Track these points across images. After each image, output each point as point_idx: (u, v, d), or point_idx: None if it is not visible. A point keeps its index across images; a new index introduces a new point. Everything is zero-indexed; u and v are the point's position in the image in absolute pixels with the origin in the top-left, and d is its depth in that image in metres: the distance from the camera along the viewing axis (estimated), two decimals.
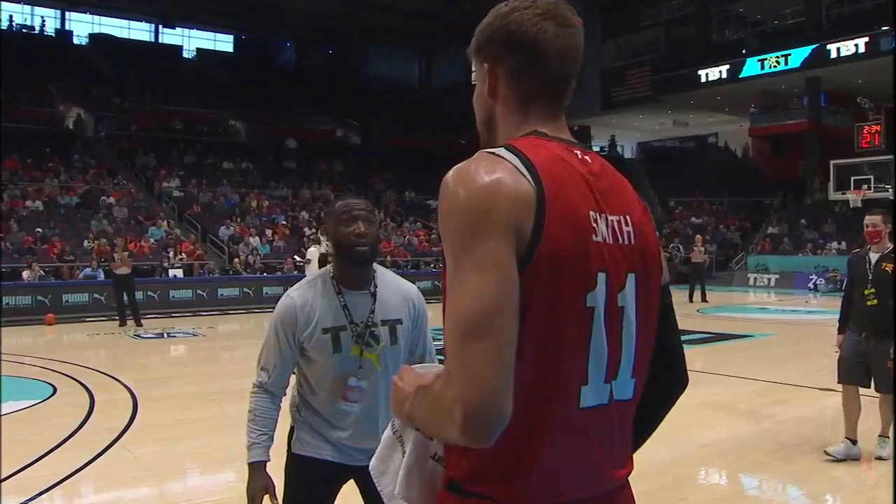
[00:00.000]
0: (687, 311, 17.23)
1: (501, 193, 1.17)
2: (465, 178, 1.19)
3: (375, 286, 2.53)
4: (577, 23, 1.34)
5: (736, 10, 33.30)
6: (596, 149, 39.55)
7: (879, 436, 5.37)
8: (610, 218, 1.28)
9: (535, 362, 1.19)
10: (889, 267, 5.20)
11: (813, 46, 28.55)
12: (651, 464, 5.20)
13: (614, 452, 1.33)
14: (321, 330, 2.45)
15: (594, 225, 1.25)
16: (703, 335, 12.83)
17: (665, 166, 36.62)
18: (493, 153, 1.24)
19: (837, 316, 5.63)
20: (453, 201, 1.18)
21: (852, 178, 26.13)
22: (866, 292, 5.28)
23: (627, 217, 1.32)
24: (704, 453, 5.71)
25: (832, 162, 26.69)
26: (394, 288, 2.58)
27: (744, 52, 31.46)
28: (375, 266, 2.57)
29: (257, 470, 2.51)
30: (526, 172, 1.20)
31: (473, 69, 1.41)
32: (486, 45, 1.35)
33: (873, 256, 5.33)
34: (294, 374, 2.63)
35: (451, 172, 1.22)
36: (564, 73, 1.34)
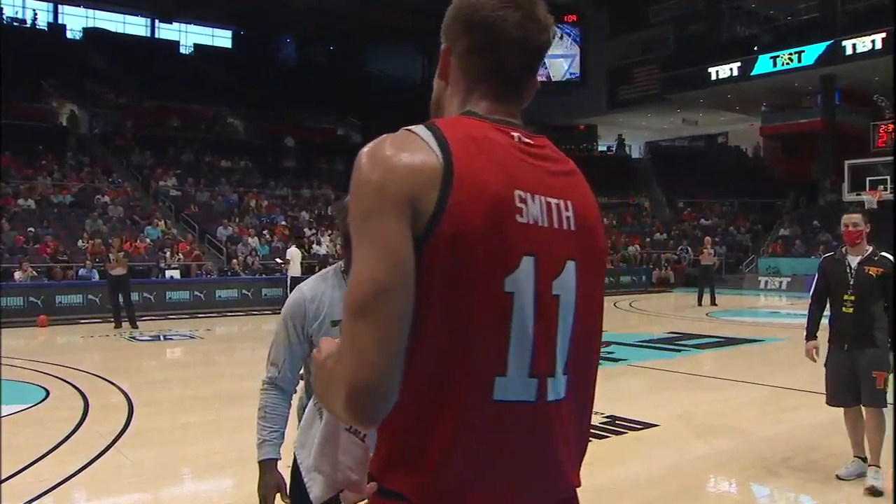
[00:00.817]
0: (696, 315, 17.16)
1: (401, 167, 1.15)
2: (370, 153, 1.18)
3: None
4: (543, 20, 1.31)
5: (747, 5, 32.95)
6: (602, 148, 39.33)
7: (870, 465, 4.86)
8: (546, 199, 1.24)
9: (439, 344, 1.15)
10: (874, 271, 4.90)
11: (827, 43, 28.13)
12: (658, 471, 5.28)
13: (555, 459, 1.25)
14: (330, 322, 2.41)
15: (520, 205, 1.20)
16: (713, 339, 12.71)
17: (673, 166, 36.28)
18: (409, 129, 1.21)
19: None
20: (356, 176, 1.17)
21: (867, 179, 25.56)
22: (845, 298, 4.97)
23: (568, 202, 1.28)
24: (713, 461, 5.60)
25: (847, 162, 26.19)
26: None
27: (755, 48, 31.09)
28: None
29: (268, 468, 2.43)
30: (436, 147, 1.17)
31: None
32: (448, 26, 1.33)
33: (852, 260, 4.99)
34: (301, 374, 2.58)
35: (364, 148, 1.20)
36: (517, 64, 1.31)
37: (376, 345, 1.10)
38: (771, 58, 29.76)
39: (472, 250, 1.14)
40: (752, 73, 30.39)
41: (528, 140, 1.28)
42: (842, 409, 5.04)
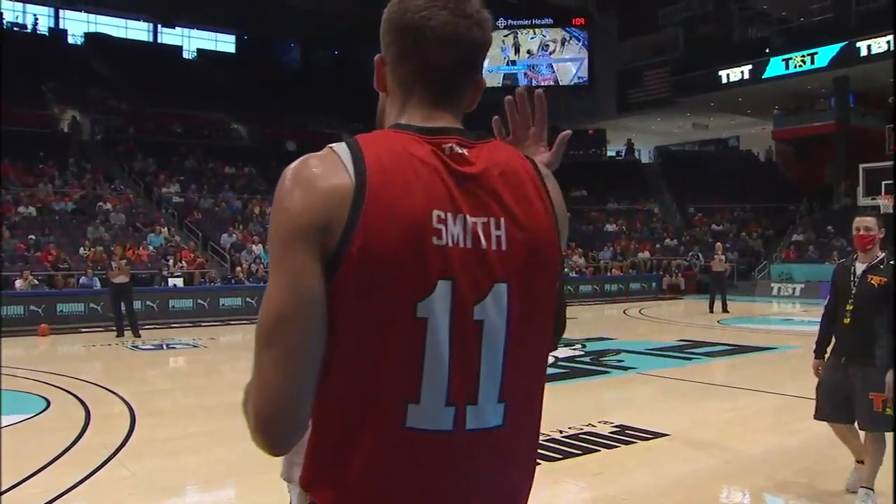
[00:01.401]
0: (707, 322, 17.10)
1: (311, 192, 1.14)
2: (287, 175, 1.18)
3: None
4: (474, 15, 1.25)
5: (759, 6, 32.72)
6: (612, 153, 38.93)
7: (862, 487, 4.58)
8: (472, 219, 1.18)
9: (351, 369, 1.16)
10: (877, 280, 4.56)
11: (841, 44, 27.83)
12: (668, 482, 5.24)
13: (480, 491, 1.21)
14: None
15: (438, 226, 1.16)
16: (725, 347, 12.64)
17: (684, 171, 35.85)
18: (331, 147, 1.21)
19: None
20: (276, 197, 1.17)
21: (883, 183, 25.22)
22: (847, 308, 4.64)
23: (500, 220, 1.20)
24: (725, 471, 5.53)
25: (861, 166, 25.84)
26: None
27: (767, 51, 30.86)
28: None
29: None
30: (350, 166, 1.16)
31: None
32: (381, 36, 1.30)
33: (859, 267, 4.66)
34: None
35: (291, 164, 1.20)
36: (448, 64, 1.26)
37: (278, 376, 1.12)
38: (783, 60, 29.48)
39: (382, 274, 1.13)
40: (763, 76, 30.12)
41: (461, 151, 1.22)
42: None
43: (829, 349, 4.81)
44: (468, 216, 1.18)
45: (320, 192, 1.13)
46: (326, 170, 1.15)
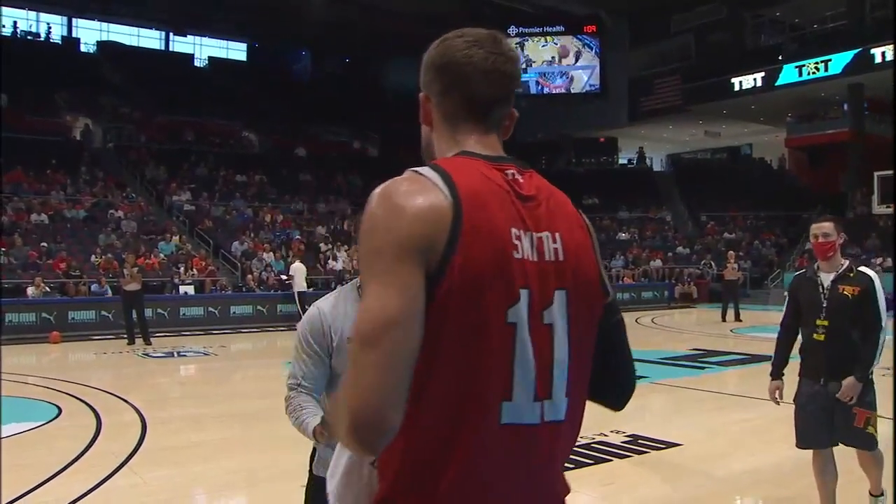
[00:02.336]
0: (720, 331, 17.02)
1: (414, 211, 1.24)
2: (383, 196, 1.27)
3: None
4: (507, 52, 1.42)
5: (772, 13, 32.41)
6: (623, 161, 38.83)
7: (872, 495, 4.43)
8: (536, 235, 1.33)
9: (452, 378, 1.25)
10: (850, 291, 4.15)
11: (855, 51, 27.59)
12: (681, 492, 5.23)
13: (546, 476, 1.36)
14: (348, 340, 2.36)
15: (516, 242, 1.30)
16: (738, 356, 12.54)
17: (696, 179, 35.73)
18: (417, 171, 1.31)
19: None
20: (369, 218, 1.26)
21: None
22: (818, 323, 4.22)
23: (556, 234, 1.36)
24: (743, 482, 5.49)
25: (876, 173, 25.58)
26: None
27: (780, 58, 30.56)
28: None
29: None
30: (445, 189, 1.27)
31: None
32: (423, 75, 1.46)
33: (825, 277, 4.22)
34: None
35: (376, 189, 1.29)
36: (490, 96, 1.42)
37: (381, 376, 1.17)
38: (796, 67, 29.24)
39: (481, 286, 1.25)
40: (776, 84, 29.85)
41: (518, 177, 1.37)
42: (879, 429, 4.35)
43: (799, 371, 4.41)
44: (533, 232, 1.34)
45: (423, 211, 1.24)
46: (425, 191, 1.27)
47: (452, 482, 1.26)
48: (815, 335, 4.21)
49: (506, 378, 1.28)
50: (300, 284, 18.38)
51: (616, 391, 1.54)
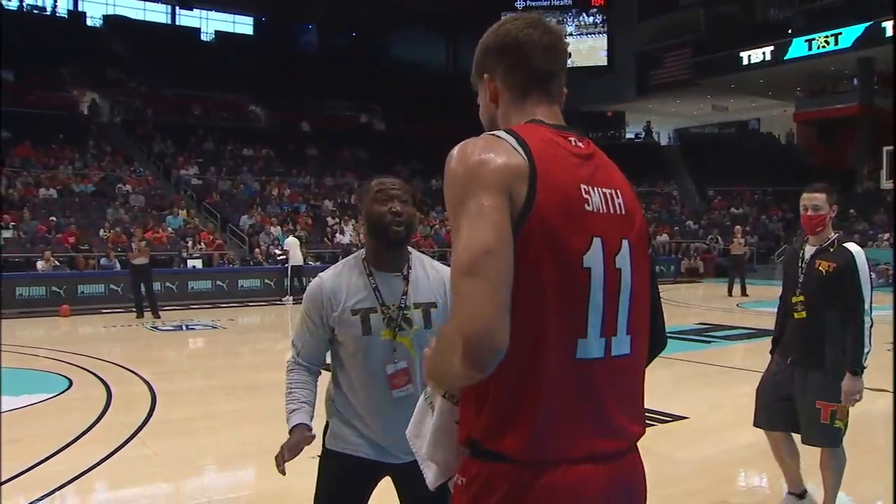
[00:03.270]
0: (726, 306, 17.00)
1: (495, 161, 1.37)
2: (464, 151, 1.41)
3: (409, 269, 2.54)
4: (557, 31, 1.59)
5: None
6: (630, 135, 38.65)
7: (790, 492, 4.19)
8: (602, 190, 1.49)
9: (532, 315, 1.35)
10: (825, 266, 3.82)
11: (866, 24, 27.26)
12: (693, 464, 5.30)
13: (622, 407, 1.48)
14: (350, 311, 2.45)
15: (586, 196, 1.45)
16: (744, 331, 12.59)
17: (703, 154, 35.52)
18: (493, 134, 1.46)
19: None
20: (453, 170, 1.39)
21: None
22: (794, 300, 3.95)
23: (617, 191, 1.52)
24: (747, 454, 5.43)
25: (885, 148, 25.49)
26: (429, 270, 2.60)
27: (790, 31, 30.27)
28: (410, 249, 2.60)
29: (296, 430, 2.46)
30: (520, 149, 1.40)
31: (478, 90, 1.64)
32: (483, 59, 1.61)
33: (808, 251, 3.95)
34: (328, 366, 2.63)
35: (455, 148, 1.42)
36: (550, 69, 1.57)
37: (487, 298, 1.27)
38: (806, 41, 28.92)
39: (556, 235, 1.38)
40: (785, 58, 29.56)
41: (580, 143, 1.53)
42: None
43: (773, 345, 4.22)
44: (600, 188, 1.48)
45: (504, 163, 1.37)
46: (502, 148, 1.40)
47: (539, 416, 1.37)
48: (795, 313, 3.95)
49: (581, 317, 1.41)
50: (296, 258, 18.35)
51: (658, 336, 1.65)
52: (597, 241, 1.43)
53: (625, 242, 1.49)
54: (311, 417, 2.50)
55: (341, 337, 2.49)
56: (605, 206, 1.47)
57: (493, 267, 1.28)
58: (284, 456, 2.42)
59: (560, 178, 1.41)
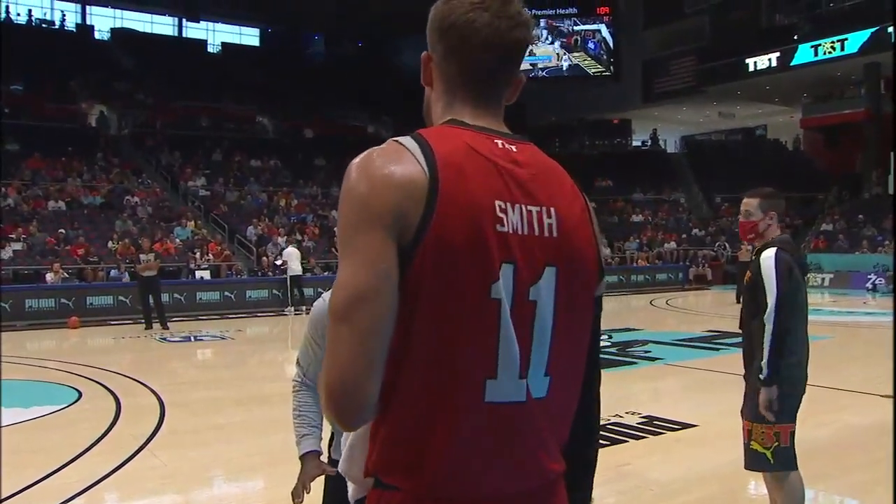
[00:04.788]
0: (735, 313, 16.44)
1: (388, 182, 1.21)
2: (360, 166, 1.24)
3: None
4: (516, 16, 1.34)
5: None
6: (637, 143, 38.65)
7: None
8: (527, 208, 1.29)
9: (431, 353, 1.22)
10: (747, 277, 3.66)
11: (872, 30, 27.15)
12: (698, 473, 5.25)
13: (540, 447, 1.33)
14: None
15: (501, 214, 1.25)
16: None
17: (710, 161, 35.41)
18: (397, 141, 1.28)
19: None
20: (345, 188, 1.24)
21: None
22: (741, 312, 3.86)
23: (551, 209, 1.32)
24: None
25: (893, 153, 25.35)
26: None
27: (795, 37, 30.14)
28: None
29: (308, 459, 2.49)
30: (423, 161, 1.23)
31: None
32: (428, 35, 1.39)
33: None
34: None
35: (356, 158, 1.26)
36: (491, 64, 1.35)
37: (354, 349, 1.17)
38: (812, 47, 28.83)
39: (457, 260, 1.20)
40: (792, 64, 29.47)
41: (510, 147, 1.32)
42: None
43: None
44: (524, 205, 1.28)
45: (397, 183, 1.21)
46: (400, 162, 1.23)
47: (436, 459, 1.24)
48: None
49: (490, 355, 1.24)
50: (294, 269, 18.38)
51: (592, 376, 1.47)
52: (507, 268, 1.24)
53: (549, 270, 1.29)
54: (321, 441, 2.53)
55: None
56: (525, 227, 1.27)
57: (366, 316, 1.17)
58: (306, 486, 2.46)
59: (468, 193, 1.23)
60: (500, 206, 1.25)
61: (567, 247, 1.32)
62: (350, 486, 1.44)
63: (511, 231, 1.26)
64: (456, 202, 1.21)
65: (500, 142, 1.32)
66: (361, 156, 1.26)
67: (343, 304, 1.18)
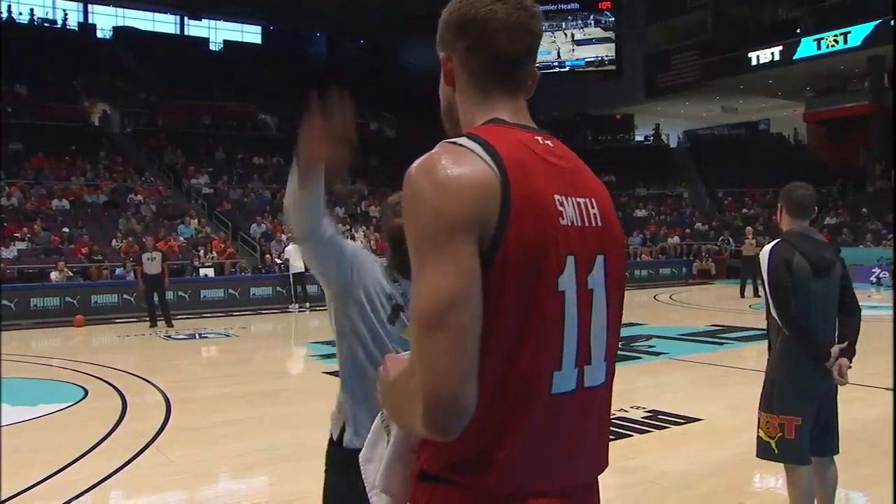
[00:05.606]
0: (739, 307, 16.92)
1: (465, 186, 1.20)
2: (427, 172, 1.22)
3: None
4: (531, 7, 1.37)
5: None
6: (640, 138, 38.69)
7: None
8: (577, 200, 1.32)
9: (509, 351, 1.22)
10: None
11: (875, 22, 26.93)
12: (708, 465, 5.28)
13: (591, 442, 1.35)
14: (386, 295, 2.40)
15: (560, 208, 1.28)
16: (756, 332, 12.39)
17: (713, 155, 35.42)
18: (456, 143, 1.26)
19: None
20: (416, 196, 1.21)
21: None
22: None
23: (593, 200, 1.36)
24: None
25: (894, 147, 25.25)
26: None
27: (798, 31, 30.01)
28: None
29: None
30: (489, 160, 1.23)
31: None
32: (444, 33, 1.41)
33: None
34: (338, 372, 2.50)
35: (414, 165, 1.24)
36: (515, 54, 1.37)
37: (451, 357, 1.14)
38: (815, 40, 28.68)
39: (533, 256, 1.22)
40: (794, 57, 29.30)
41: (547, 142, 1.35)
42: None
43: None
44: (575, 198, 1.32)
45: (472, 184, 1.20)
46: (469, 163, 1.22)
47: (505, 455, 1.24)
48: None
49: (556, 347, 1.27)
50: (296, 266, 18.23)
51: None
52: (570, 260, 1.27)
53: (599, 259, 1.33)
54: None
55: (364, 300, 2.39)
56: (579, 218, 1.31)
57: (459, 321, 1.15)
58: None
59: (535, 189, 1.25)
60: (559, 200, 1.29)
61: (609, 234, 1.37)
62: (380, 501, 1.41)
63: (569, 223, 1.29)
64: (527, 199, 1.23)
65: (538, 137, 1.35)
66: (424, 160, 1.24)
67: (435, 310, 1.15)
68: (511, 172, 1.23)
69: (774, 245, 3.69)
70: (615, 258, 1.38)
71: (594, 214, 1.35)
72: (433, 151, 1.26)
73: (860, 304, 3.80)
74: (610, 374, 1.38)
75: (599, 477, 1.44)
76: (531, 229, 1.22)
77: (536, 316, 1.23)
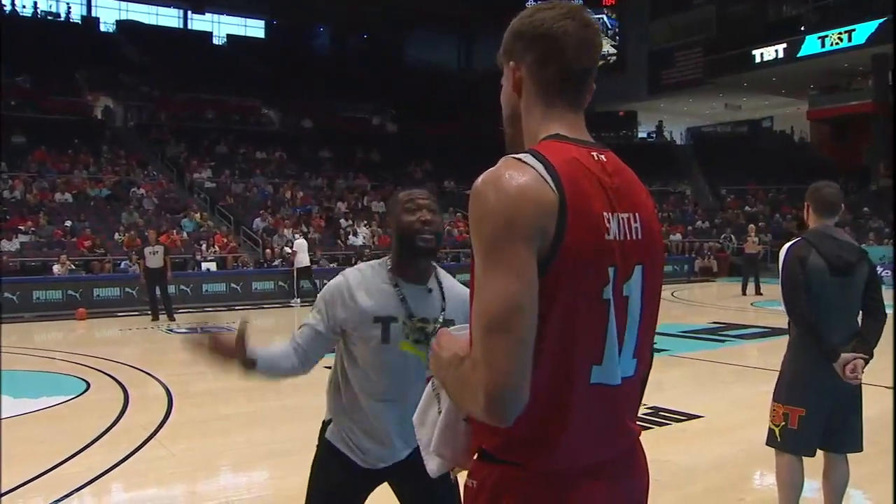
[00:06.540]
0: (741, 305, 16.93)
1: (528, 200, 1.32)
2: (495, 185, 1.34)
3: (439, 283, 2.55)
4: (594, 24, 1.49)
5: None
6: (643, 135, 38.62)
7: None
8: (621, 216, 1.43)
9: (557, 350, 1.37)
10: None
11: (880, 20, 26.99)
12: (709, 463, 5.32)
13: (627, 416, 1.53)
14: (372, 318, 2.43)
15: (607, 224, 1.40)
16: (758, 329, 12.53)
17: (716, 153, 35.38)
18: (519, 159, 1.38)
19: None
20: (484, 207, 1.33)
21: None
22: None
23: (636, 214, 1.46)
24: (763, 453, 4.96)
25: (894, 145, 25.24)
26: (458, 288, 2.58)
27: (802, 29, 30.07)
28: (434, 265, 2.60)
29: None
30: (549, 179, 1.34)
31: (504, 72, 1.55)
32: (513, 44, 1.50)
33: None
34: (331, 378, 2.63)
35: (480, 178, 1.37)
36: (583, 67, 1.48)
37: (512, 358, 1.28)
38: (819, 38, 28.71)
39: (584, 268, 1.36)
40: (798, 55, 29.40)
41: (601, 157, 1.45)
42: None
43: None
44: (620, 213, 1.43)
45: (534, 199, 1.32)
46: (534, 181, 1.34)
47: (555, 437, 1.40)
48: None
49: (599, 346, 1.41)
50: (302, 261, 18.36)
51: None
52: (612, 271, 1.40)
53: (637, 269, 1.46)
54: (255, 358, 2.51)
55: (357, 340, 2.48)
56: (621, 234, 1.43)
57: (523, 324, 1.28)
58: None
59: (588, 206, 1.37)
60: (606, 218, 1.40)
61: (649, 246, 1.48)
62: (434, 463, 1.56)
63: (614, 238, 1.41)
64: (580, 216, 1.35)
65: (594, 153, 1.45)
66: (490, 174, 1.35)
67: (501, 314, 1.28)
68: (567, 190, 1.34)
69: (793, 243, 3.79)
70: (653, 266, 1.50)
71: (636, 228, 1.45)
72: (498, 166, 1.37)
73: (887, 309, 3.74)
74: (640, 368, 1.53)
75: None
76: (582, 243, 1.35)
77: (583, 321, 1.38)
